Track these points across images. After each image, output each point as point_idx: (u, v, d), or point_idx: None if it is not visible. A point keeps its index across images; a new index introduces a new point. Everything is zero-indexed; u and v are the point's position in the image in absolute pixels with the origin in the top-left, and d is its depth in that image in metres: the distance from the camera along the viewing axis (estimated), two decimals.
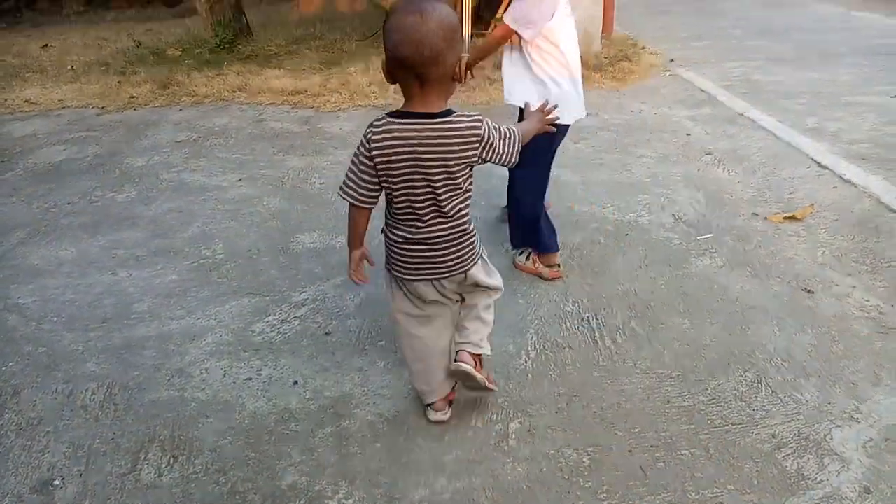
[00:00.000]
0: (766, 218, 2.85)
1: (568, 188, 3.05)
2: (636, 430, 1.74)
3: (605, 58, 5.58)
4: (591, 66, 5.31)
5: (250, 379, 1.99)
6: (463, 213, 1.61)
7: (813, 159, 3.46)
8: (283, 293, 2.44)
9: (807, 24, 7.28)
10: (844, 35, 6.55)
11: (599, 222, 2.87)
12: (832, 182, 3.19)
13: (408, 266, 1.64)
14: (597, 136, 3.95)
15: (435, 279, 1.65)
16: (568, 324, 2.20)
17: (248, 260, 2.70)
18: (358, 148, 1.55)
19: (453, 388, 1.83)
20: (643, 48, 6.07)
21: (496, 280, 1.77)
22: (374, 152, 1.50)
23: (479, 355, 1.79)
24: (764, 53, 5.93)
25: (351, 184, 1.57)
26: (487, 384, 1.78)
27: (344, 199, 1.59)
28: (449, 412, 1.81)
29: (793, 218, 2.83)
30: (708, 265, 2.51)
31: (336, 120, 4.51)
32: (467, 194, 1.60)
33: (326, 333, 2.20)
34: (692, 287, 2.38)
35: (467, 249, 1.64)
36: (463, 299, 1.78)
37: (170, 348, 2.15)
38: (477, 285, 1.72)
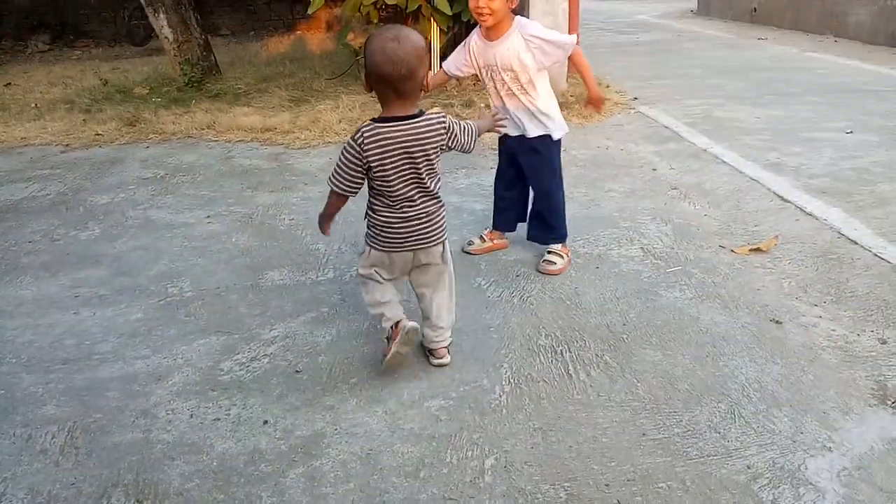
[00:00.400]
0: (732, 250, 2.90)
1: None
2: (613, 464, 1.72)
3: (571, 96, 5.70)
4: (559, 104, 5.40)
5: (218, 419, 1.93)
6: (439, 190, 2.02)
7: (775, 193, 3.55)
8: (252, 331, 2.40)
9: (763, 63, 7.55)
10: (799, 74, 6.80)
11: (570, 256, 2.89)
12: (794, 215, 3.27)
13: (396, 241, 1.99)
14: (565, 172, 3.97)
15: (419, 248, 2.02)
16: (542, 357, 2.19)
17: (216, 297, 2.65)
18: (347, 149, 1.89)
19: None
20: (607, 87, 6.21)
21: (450, 280, 2.15)
22: (368, 152, 1.86)
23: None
24: (723, 91, 6.12)
25: (340, 177, 1.92)
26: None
27: (333, 187, 1.94)
28: (414, 322, 2.06)
29: (758, 250, 2.88)
30: (678, 297, 2.54)
31: (306, 156, 4.50)
32: (439, 175, 2.02)
33: (297, 371, 2.15)
34: (663, 319, 2.39)
35: (444, 221, 2.05)
36: (431, 300, 2.12)
37: (134, 389, 2.08)
38: (447, 260, 2.10)
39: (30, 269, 2.95)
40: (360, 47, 6.36)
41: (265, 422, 1.92)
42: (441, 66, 2.75)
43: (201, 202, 3.70)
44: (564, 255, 2.78)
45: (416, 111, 1.91)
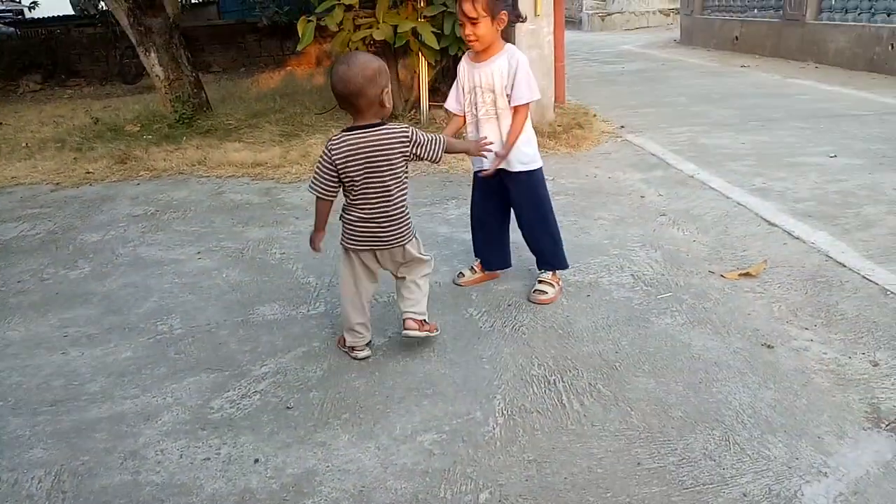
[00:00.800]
0: (722, 275, 2.91)
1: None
2: (608, 495, 1.71)
3: (559, 126, 5.76)
4: (546, 134, 5.47)
5: (208, 459, 1.91)
6: (403, 197, 2.25)
7: (762, 217, 3.58)
8: (243, 367, 2.38)
9: (746, 90, 7.68)
10: (782, 100, 6.91)
11: (562, 285, 2.89)
12: (782, 239, 3.29)
13: (359, 239, 2.25)
14: (554, 201, 3.96)
15: (377, 249, 2.27)
16: (535, 388, 2.18)
17: (206, 334, 2.63)
18: (320, 157, 2.18)
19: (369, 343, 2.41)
20: (594, 116, 6.29)
21: (427, 254, 2.39)
22: (335, 158, 2.15)
23: (423, 320, 2.37)
24: (708, 119, 6.20)
25: (318, 183, 2.20)
26: (432, 333, 2.39)
27: (313, 193, 2.21)
28: (369, 351, 2.40)
29: (748, 275, 2.90)
30: (669, 324, 2.54)
31: (296, 191, 4.52)
32: (405, 183, 2.25)
33: (288, 407, 2.13)
34: (655, 346, 2.39)
35: (405, 227, 2.27)
36: (401, 277, 2.37)
37: (123, 430, 2.05)
38: (413, 258, 2.32)
39: (18, 309, 2.93)
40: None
41: (256, 460, 1.89)
42: (444, 107, 2.78)
43: (192, 238, 3.70)
44: (555, 284, 2.79)
45: (377, 121, 2.18)
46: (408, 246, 2.29)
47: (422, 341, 2.40)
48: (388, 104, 2.19)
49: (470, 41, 2.51)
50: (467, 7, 2.41)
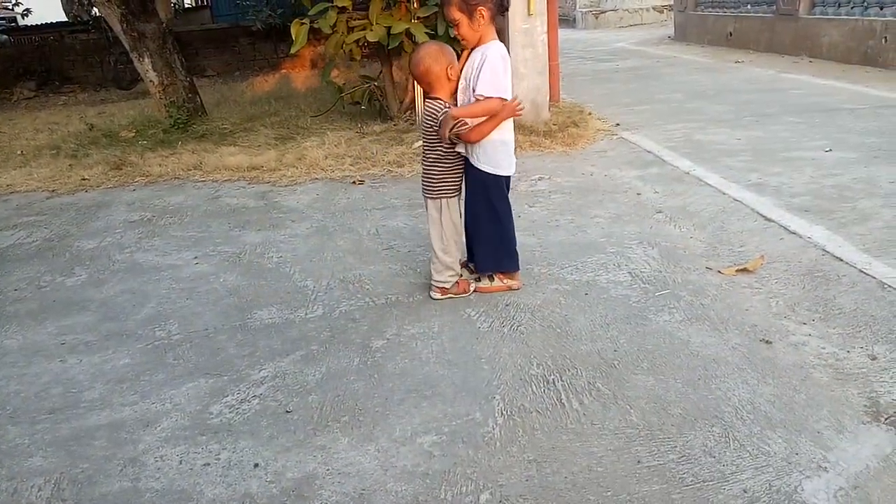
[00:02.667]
0: (719, 271, 2.92)
1: (526, 251, 3.08)
2: (609, 494, 1.71)
3: (554, 125, 5.76)
4: (542, 133, 5.47)
5: (208, 464, 1.90)
6: (434, 159, 2.71)
7: (759, 213, 3.58)
8: (242, 372, 2.37)
9: (740, 86, 7.68)
10: (776, 95, 6.92)
11: (558, 283, 2.90)
12: (779, 234, 3.29)
13: None
14: (551, 199, 4.03)
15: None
16: (534, 387, 2.18)
17: (204, 339, 2.63)
18: None
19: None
20: (590, 114, 6.28)
21: (436, 230, 2.76)
22: None
23: (443, 287, 2.81)
24: (703, 115, 6.21)
25: None
26: (457, 295, 2.81)
27: None
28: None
29: (745, 270, 2.90)
30: (667, 321, 2.54)
31: (293, 194, 4.51)
32: (438, 152, 2.68)
33: (287, 411, 2.13)
34: (654, 343, 2.39)
35: (431, 183, 2.73)
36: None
37: (122, 437, 2.05)
38: (429, 213, 2.78)
39: (15, 317, 2.92)
40: (343, 84, 6.43)
41: (256, 465, 1.89)
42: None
43: (189, 243, 3.69)
44: (499, 280, 2.85)
45: (438, 96, 2.64)
46: (428, 201, 2.75)
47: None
48: (456, 77, 2.62)
49: (460, 41, 2.67)
50: (445, 12, 2.61)
